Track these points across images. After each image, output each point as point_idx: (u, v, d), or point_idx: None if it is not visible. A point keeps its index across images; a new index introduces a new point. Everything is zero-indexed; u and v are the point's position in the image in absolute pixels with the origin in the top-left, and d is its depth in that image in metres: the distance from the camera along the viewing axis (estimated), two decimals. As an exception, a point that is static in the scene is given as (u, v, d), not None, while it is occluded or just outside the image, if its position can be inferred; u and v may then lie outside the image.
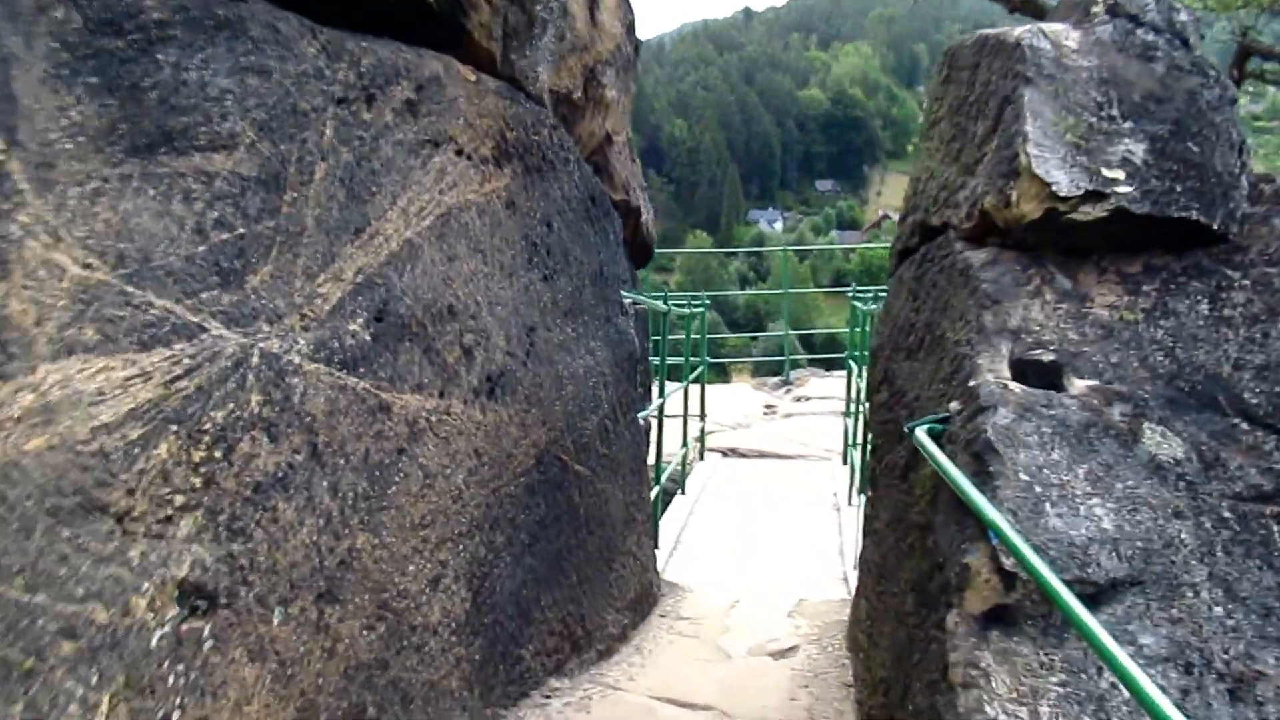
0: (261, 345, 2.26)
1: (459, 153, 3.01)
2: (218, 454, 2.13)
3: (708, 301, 8.19)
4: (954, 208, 2.89)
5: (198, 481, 2.08)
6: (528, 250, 3.31)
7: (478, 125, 3.11)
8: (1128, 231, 2.58)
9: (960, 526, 2.07)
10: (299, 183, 2.44)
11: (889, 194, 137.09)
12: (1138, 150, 2.66)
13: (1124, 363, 2.41)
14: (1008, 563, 1.91)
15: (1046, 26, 2.99)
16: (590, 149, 3.91)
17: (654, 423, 5.35)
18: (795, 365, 12.48)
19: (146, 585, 1.94)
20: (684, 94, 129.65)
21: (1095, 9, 3.09)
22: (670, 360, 6.10)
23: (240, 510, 2.15)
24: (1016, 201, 2.55)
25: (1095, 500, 2.06)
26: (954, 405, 2.38)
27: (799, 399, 11.06)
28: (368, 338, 2.57)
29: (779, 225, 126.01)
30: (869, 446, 3.46)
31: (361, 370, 2.54)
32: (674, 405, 7.27)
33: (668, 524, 6.16)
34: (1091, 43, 2.95)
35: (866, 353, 7.08)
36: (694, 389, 8.10)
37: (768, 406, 10.69)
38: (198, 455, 2.08)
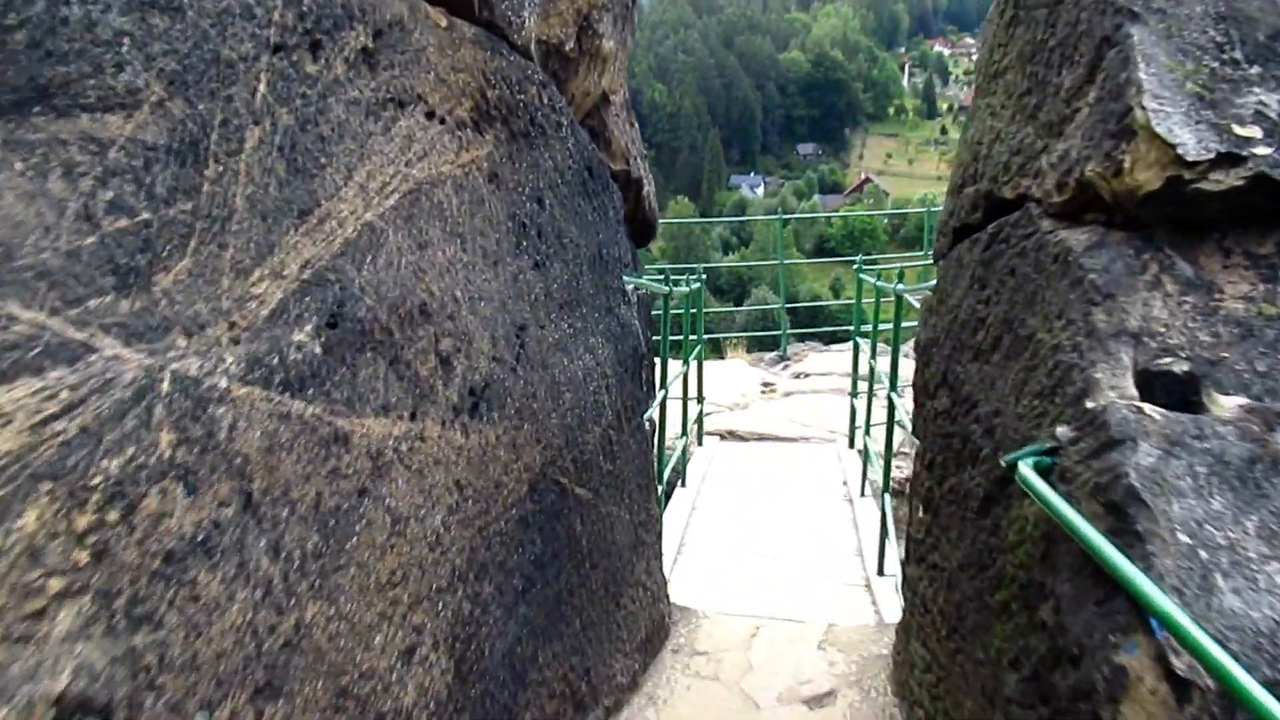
0: (174, 367, 1.72)
1: (430, 115, 2.46)
2: (112, 517, 1.59)
3: (703, 275, 7.66)
4: (1035, 177, 2.37)
5: (84, 557, 1.54)
6: (516, 232, 2.78)
7: (452, 81, 2.56)
8: (1262, 203, 2.07)
9: (1101, 606, 1.56)
10: (225, 153, 1.89)
11: (870, 157, 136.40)
12: (1271, 102, 2.15)
13: (1275, 372, 1.91)
14: (1180, 664, 1.41)
15: (1146, -48, 2.47)
16: (585, 110, 3.37)
17: (657, 415, 4.84)
18: (794, 340, 12.00)
19: (4, 713, 1.42)
20: (663, 58, 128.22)
21: (1199, -69, 2.56)
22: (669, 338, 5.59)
23: (146, 589, 1.63)
24: (1130, 169, 2.03)
25: (1276, 565, 1.56)
26: (1064, 431, 1.87)
27: (798, 375, 10.57)
28: (318, 350, 2.03)
29: (760, 190, 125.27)
30: (923, 460, 2.95)
31: (310, 392, 2.00)
32: (673, 387, 6.78)
33: (670, 524, 5.67)
34: (1203, -30, 2.43)
35: (875, 329, 6.57)
36: (692, 368, 7.60)
37: (766, 384, 10.19)
38: (83, 521, 1.55)
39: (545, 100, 2.91)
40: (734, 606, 4.45)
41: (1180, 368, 1.89)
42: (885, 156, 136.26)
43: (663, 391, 4.87)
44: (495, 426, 2.54)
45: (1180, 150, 2.00)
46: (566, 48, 3.05)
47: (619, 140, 3.58)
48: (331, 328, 2.09)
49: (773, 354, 11.53)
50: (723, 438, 8.71)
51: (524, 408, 2.68)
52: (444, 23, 2.55)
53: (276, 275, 2.01)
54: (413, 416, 2.26)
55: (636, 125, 3.96)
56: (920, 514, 3.12)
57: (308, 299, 2.05)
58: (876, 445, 6.89)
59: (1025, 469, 1.80)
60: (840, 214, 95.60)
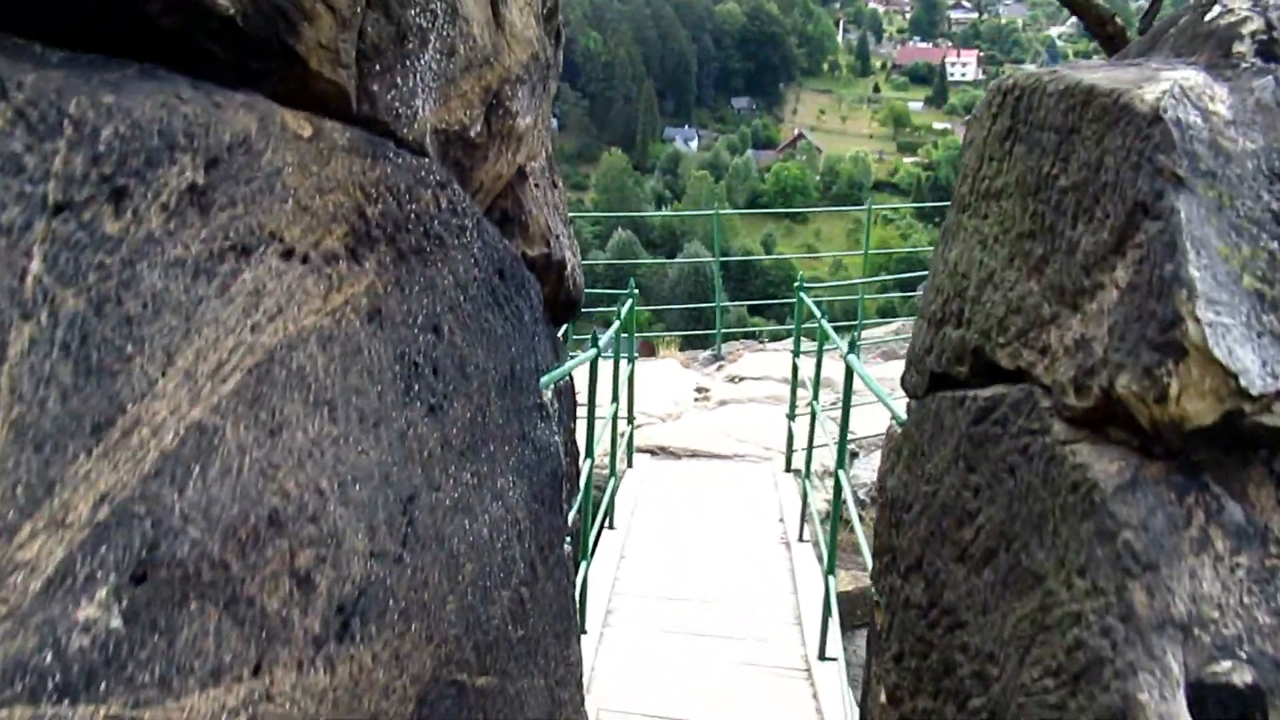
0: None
1: (287, 255, 1.92)
2: None
3: (636, 292, 7.17)
4: (1043, 354, 1.93)
5: None
6: (405, 376, 2.26)
7: (318, 206, 2.01)
8: (1326, 426, 1.66)
9: None
10: (-26, 371, 1.35)
11: (804, 113, 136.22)
12: (1341, 295, 1.73)
13: (1354, 674, 1.51)
14: None
15: (1182, 80, 2.02)
16: (495, 193, 2.83)
17: (584, 441, 4.38)
18: (729, 337, 11.59)
19: None
20: (599, 5, 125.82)
21: (1239, 47, 2.12)
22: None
23: None
24: (1177, 396, 1.60)
25: None
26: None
27: (733, 379, 10.18)
28: (115, 623, 1.51)
29: (695, 144, 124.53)
30: (885, 634, 2.53)
31: (103, 687, 1.49)
32: (604, 402, 6.32)
33: (596, 582, 5.24)
34: (1251, 108, 1.99)
35: (819, 368, 6.17)
36: (622, 374, 7.13)
37: (699, 390, 9.78)
38: None
39: (444, 204, 2.38)
40: (660, 707, 4.05)
41: (1243, 678, 1.48)
42: (819, 113, 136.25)
43: (605, 418, 4.40)
44: (373, 643, 2.05)
45: (1243, 380, 1.57)
46: (472, 133, 2.51)
47: (538, 219, 3.06)
48: (138, 583, 1.55)
49: (707, 353, 11.12)
50: (654, 454, 8.30)
51: (411, 604, 2.19)
52: (308, 131, 2.01)
53: (56, 525, 1.47)
54: (256, 671, 1.75)
55: (561, 185, 3.43)
56: (879, 673, 2.72)
57: (103, 550, 1.51)
58: (816, 484, 6.53)
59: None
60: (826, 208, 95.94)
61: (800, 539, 6.16)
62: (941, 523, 2.18)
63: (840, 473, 4.34)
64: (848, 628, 6.94)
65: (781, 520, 6.65)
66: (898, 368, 10.81)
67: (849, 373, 4.16)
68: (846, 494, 5.44)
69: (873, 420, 8.62)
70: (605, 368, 6.39)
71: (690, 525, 6.48)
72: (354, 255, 2.11)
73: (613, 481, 6.00)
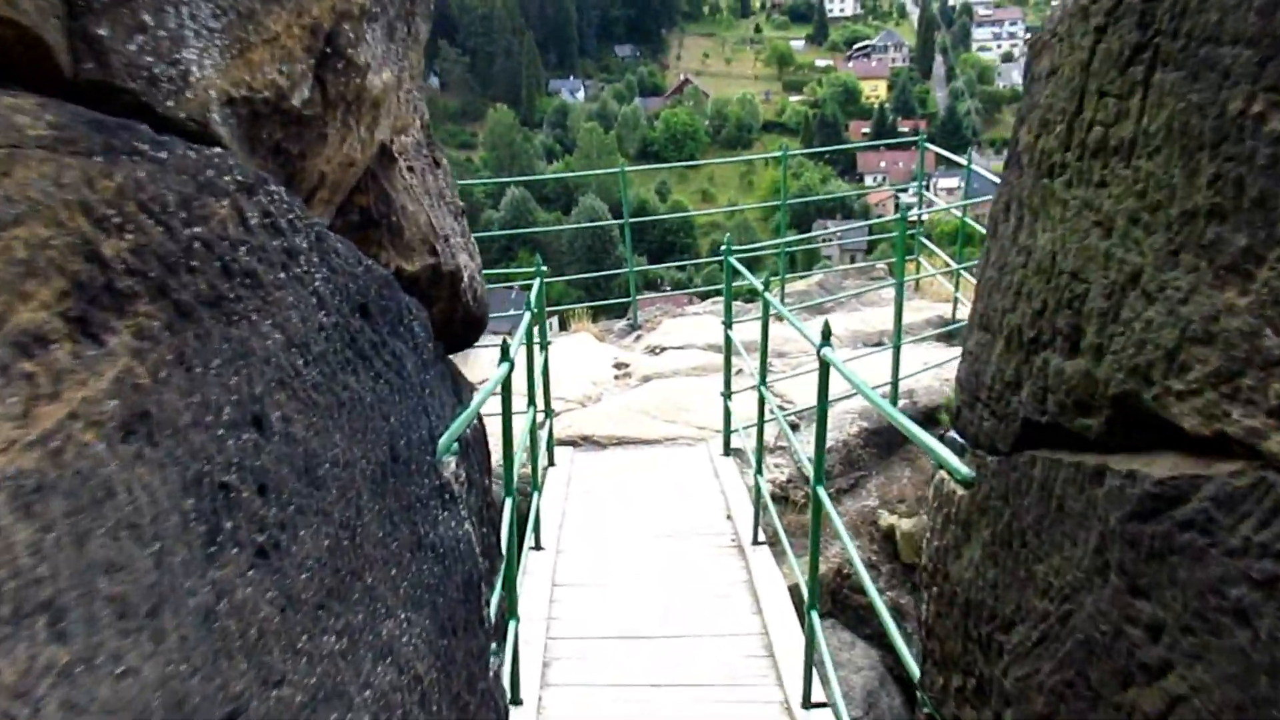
0: None
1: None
2: None
3: (545, 269, 6.28)
4: (1270, 417, 1.16)
5: None
6: (207, 513, 1.36)
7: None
8: None
9: None
10: None
11: (688, 58, 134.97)
12: None
13: None
14: None
15: None
16: (346, 188, 1.92)
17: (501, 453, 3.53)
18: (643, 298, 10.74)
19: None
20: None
21: None
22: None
23: None
24: None
25: None
26: None
27: (653, 349, 9.36)
28: None
29: (581, 95, 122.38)
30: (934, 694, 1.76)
31: None
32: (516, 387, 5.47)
33: (530, 636, 4.40)
34: None
35: (764, 351, 5.39)
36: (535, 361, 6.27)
37: (619, 365, 8.94)
38: None
39: (254, 220, 1.48)
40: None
41: None
42: (703, 56, 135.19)
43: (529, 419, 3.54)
44: None
45: None
46: (295, 100, 1.59)
47: (416, 217, 2.15)
48: None
49: (623, 323, 10.26)
50: (577, 445, 7.45)
51: None
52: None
53: None
54: None
55: (445, 166, 2.52)
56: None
57: None
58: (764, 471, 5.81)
59: None
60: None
61: (755, 541, 5.41)
62: (1087, 671, 1.38)
63: (758, 479, 3.56)
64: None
65: (729, 518, 5.89)
66: (831, 321, 10.12)
67: (765, 307, 3.36)
68: (802, 459, 4.70)
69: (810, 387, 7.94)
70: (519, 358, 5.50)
71: (628, 535, 5.67)
72: (84, 330, 1.20)
73: (535, 498, 5.15)
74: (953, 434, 2.11)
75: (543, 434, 6.58)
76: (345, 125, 1.75)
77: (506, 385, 3.42)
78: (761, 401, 5.28)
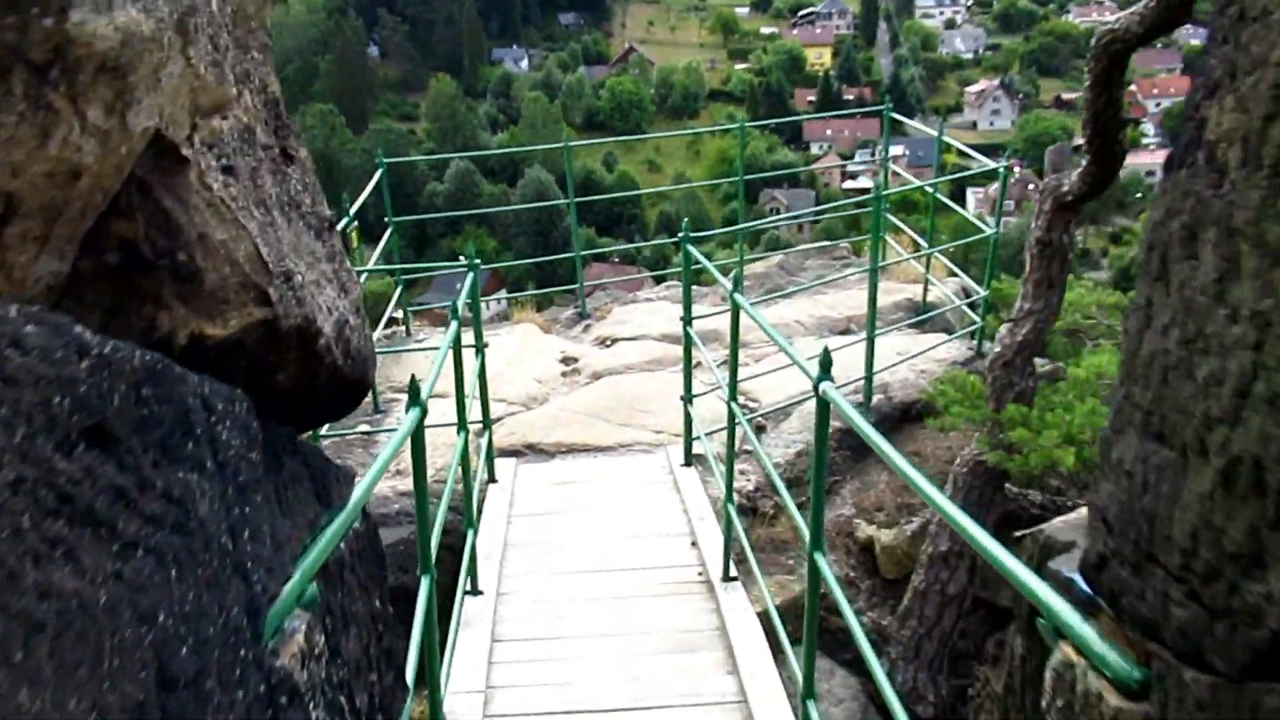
0: None
1: None
2: None
3: (478, 261, 5.48)
4: None
5: None
6: None
7: None
8: None
9: None
10: None
11: (633, 25, 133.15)
12: None
13: None
14: None
15: None
16: (85, 209, 1.12)
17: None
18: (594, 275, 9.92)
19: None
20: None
21: None
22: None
23: None
24: None
25: None
26: None
27: (604, 341, 8.59)
28: None
29: (525, 64, 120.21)
30: None
31: None
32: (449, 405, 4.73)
33: (463, 713, 3.65)
34: None
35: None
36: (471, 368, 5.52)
37: (567, 360, 8.16)
38: None
39: None
40: None
41: None
42: (647, 24, 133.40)
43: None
44: None
45: None
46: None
47: (229, 248, 1.37)
48: None
49: (570, 311, 9.48)
50: (521, 455, 6.69)
51: None
52: None
53: None
54: None
55: (304, 160, 1.73)
56: None
57: None
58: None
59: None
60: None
61: (726, 576, 4.71)
62: None
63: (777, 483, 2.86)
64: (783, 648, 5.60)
65: (695, 544, 5.18)
66: (794, 307, 9.42)
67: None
68: (768, 468, 4.03)
69: (775, 383, 7.25)
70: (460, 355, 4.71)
71: (580, 570, 4.94)
72: None
73: (470, 537, 4.39)
74: (1067, 572, 1.38)
75: (481, 444, 5.82)
76: (45, 106, 0.96)
77: (418, 439, 2.65)
78: (731, 426, 4.56)
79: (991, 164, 7.70)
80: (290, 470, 1.54)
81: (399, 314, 8.74)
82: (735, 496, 5.89)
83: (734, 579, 4.71)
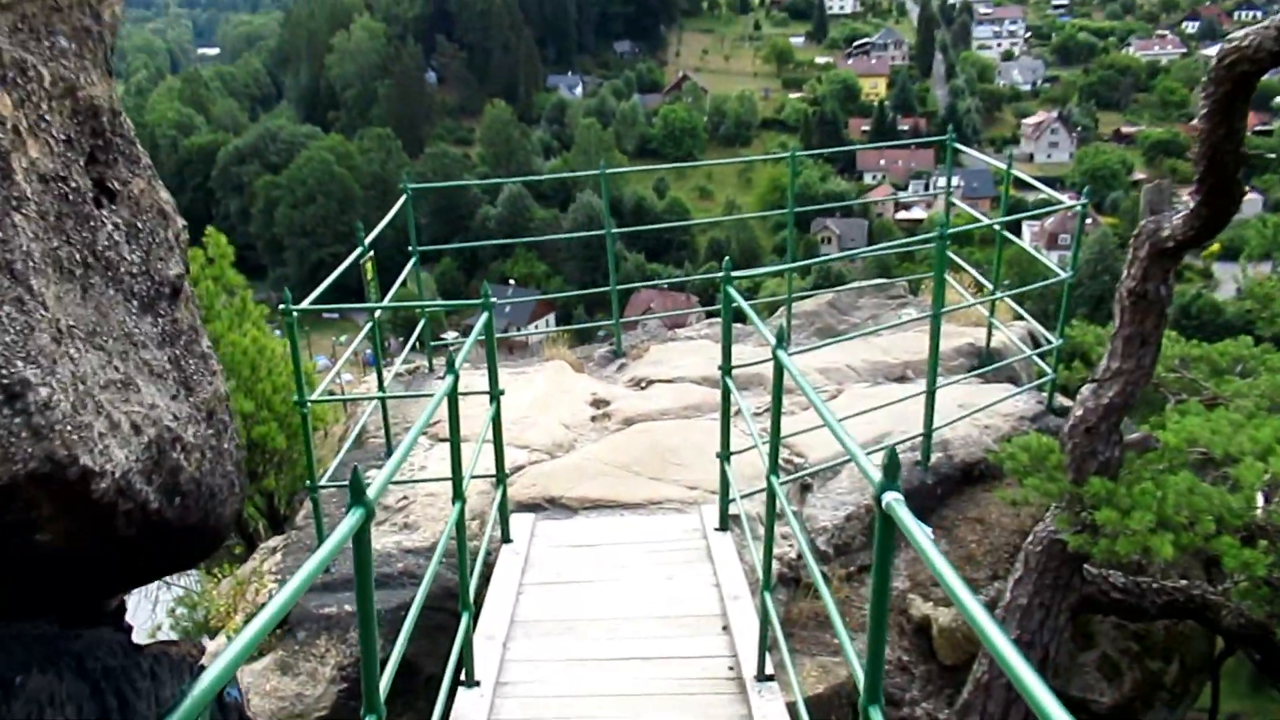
0: None
1: None
2: None
3: (493, 301, 4.94)
4: None
5: None
6: None
7: None
8: None
9: None
10: None
11: (687, 54, 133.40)
12: None
13: None
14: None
15: None
16: None
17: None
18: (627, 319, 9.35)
19: None
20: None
21: None
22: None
23: None
24: None
25: None
26: None
27: (638, 383, 8.00)
28: None
29: (580, 90, 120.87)
30: None
31: None
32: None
33: None
34: None
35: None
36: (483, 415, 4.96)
37: (597, 403, 7.57)
38: None
39: None
40: None
41: None
42: (701, 53, 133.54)
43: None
44: None
45: None
46: None
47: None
48: None
49: (604, 349, 8.90)
50: (541, 509, 6.10)
51: None
52: None
53: None
54: None
55: (140, 197, 1.16)
56: None
57: None
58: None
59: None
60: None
61: (761, 675, 4.06)
62: None
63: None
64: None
65: (726, 628, 4.54)
66: (846, 351, 8.66)
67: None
68: (804, 548, 3.40)
69: (824, 437, 6.57)
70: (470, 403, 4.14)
71: (595, 660, 4.32)
72: None
73: (465, 621, 3.80)
74: None
75: (493, 507, 5.24)
76: None
77: (362, 542, 2.07)
78: (771, 506, 3.92)
79: (1068, 200, 7.00)
80: (42, 691, 0.97)
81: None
82: (775, 564, 5.27)
83: (770, 678, 4.06)
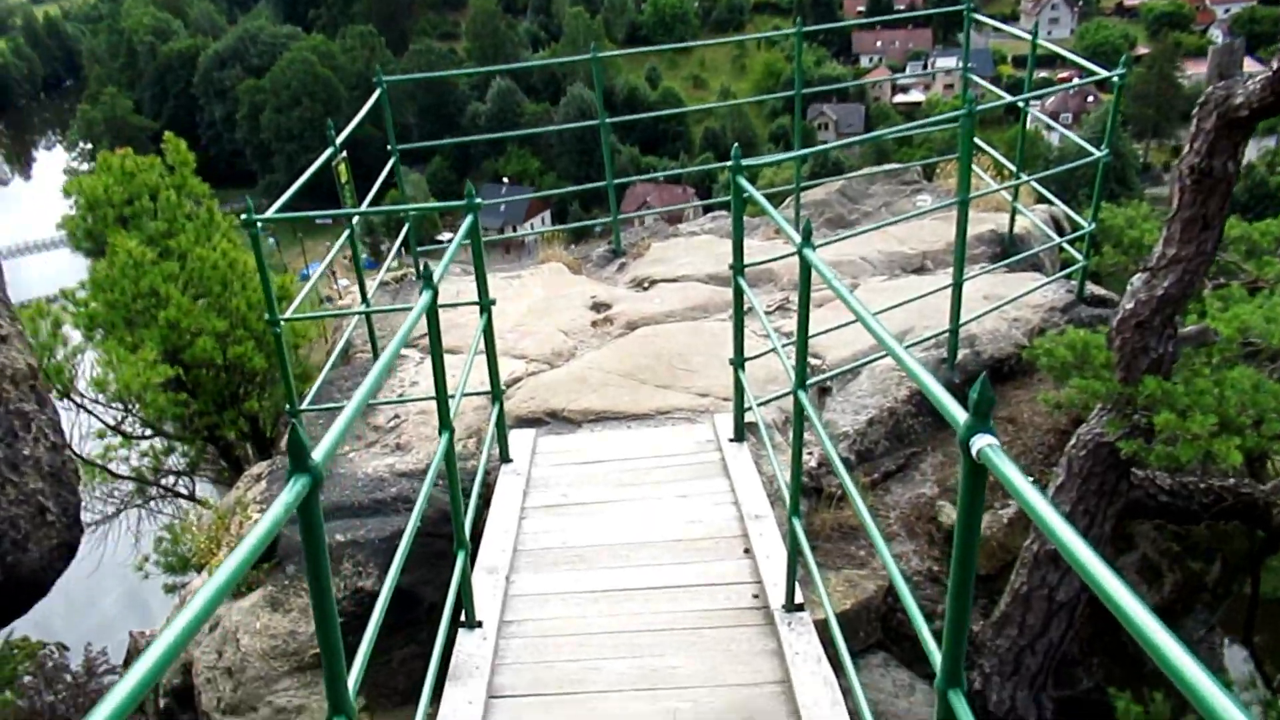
0: None
1: None
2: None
3: (479, 201, 4.43)
4: None
5: None
6: None
7: None
8: None
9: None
10: None
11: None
12: None
13: None
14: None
15: None
16: None
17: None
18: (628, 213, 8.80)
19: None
20: None
21: None
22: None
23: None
24: None
25: None
26: None
27: (640, 284, 7.51)
28: None
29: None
30: None
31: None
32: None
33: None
34: None
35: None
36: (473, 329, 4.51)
37: (597, 308, 7.09)
38: None
39: None
40: None
41: None
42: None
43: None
44: None
45: None
46: None
47: None
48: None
49: (603, 248, 8.38)
50: (543, 424, 5.70)
51: None
52: None
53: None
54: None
55: None
56: None
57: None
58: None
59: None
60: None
61: (789, 604, 3.69)
62: None
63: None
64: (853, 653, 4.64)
65: (748, 551, 4.17)
66: (859, 241, 8.06)
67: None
68: (833, 458, 3.02)
69: (843, 336, 6.12)
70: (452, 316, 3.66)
71: (605, 590, 3.96)
72: None
73: (461, 560, 3.41)
74: None
75: (490, 425, 4.83)
76: None
77: (310, 512, 1.64)
78: (799, 422, 3.48)
79: (1103, 72, 6.40)
80: None
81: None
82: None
83: (799, 607, 3.70)
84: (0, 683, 11.21)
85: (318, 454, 1.65)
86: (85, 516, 10.23)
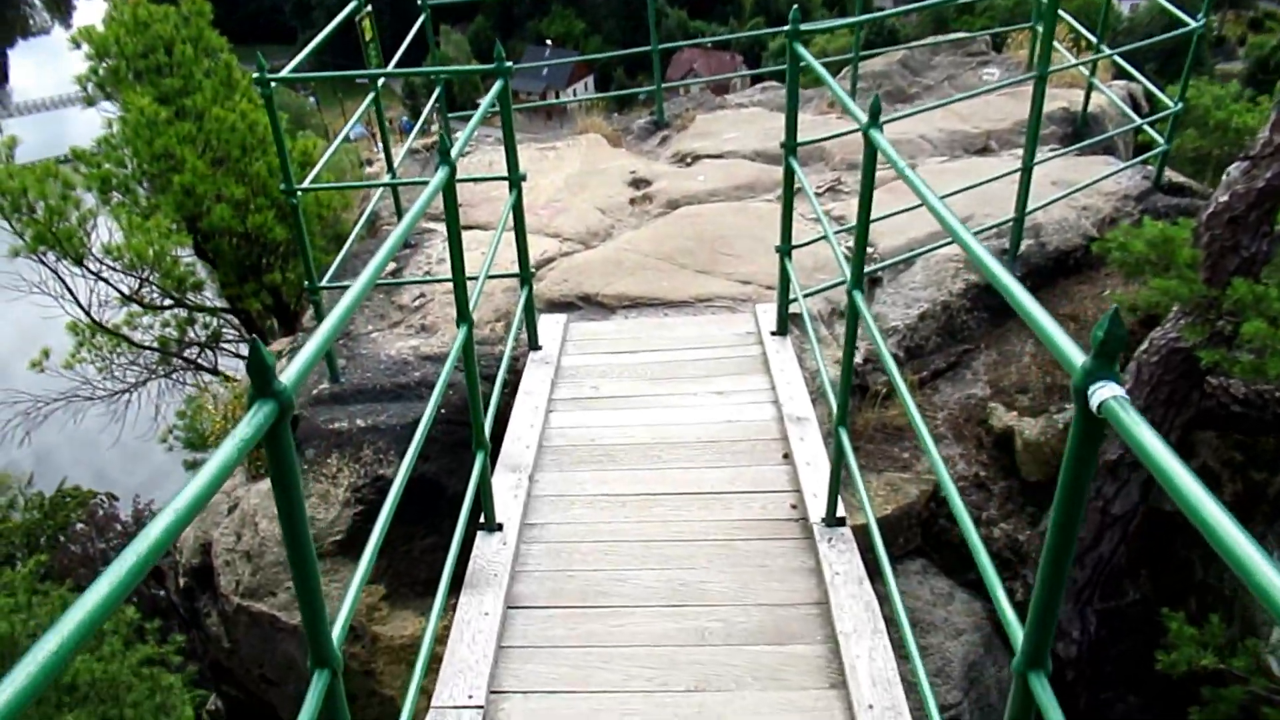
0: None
1: None
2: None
3: (510, 65, 4.03)
4: None
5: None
6: None
7: None
8: None
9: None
10: None
11: None
12: None
13: None
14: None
15: None
16: None
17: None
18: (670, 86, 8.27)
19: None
20: None
21: None
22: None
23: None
24: None
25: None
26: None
27: (683, 159, 7.08)
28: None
29: None
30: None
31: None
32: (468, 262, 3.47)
33: None
34: None
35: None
36: (500, 210, 4.19)
37: (637, 184, 6.69)
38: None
39: None
40: None
41: None
42: None
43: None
44: None
45: None
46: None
47: None
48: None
49: (644, 120, 7.90)
50: (575, 308, 5.41)
51: None
52: None
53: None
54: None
55: None
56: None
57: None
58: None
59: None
60: None
61: (830, 519, 3.44)
62: None
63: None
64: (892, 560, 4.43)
65: (787, 456, 3.91)
66: (919, 118, 7.46)
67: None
68: (885, 356, 2.73)
69: (893, 223, 5.69)
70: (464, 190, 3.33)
71: (633, 493, 3.73)
72: None
73: (480, 461, 3.19)
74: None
75: (518, 308, 4.54)
76: None
77: (280, 447, 1.38)
78: (852, 323, 3.14)
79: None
80: None
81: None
82: (837, 371, 4.57)
83: (840, 521, 3.45)
84: (54, 528, 11.49)
85: (286, 377, 1.38)
86: (111, 385, 10.27)
